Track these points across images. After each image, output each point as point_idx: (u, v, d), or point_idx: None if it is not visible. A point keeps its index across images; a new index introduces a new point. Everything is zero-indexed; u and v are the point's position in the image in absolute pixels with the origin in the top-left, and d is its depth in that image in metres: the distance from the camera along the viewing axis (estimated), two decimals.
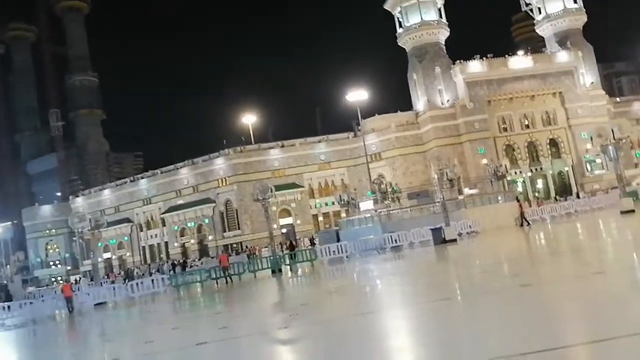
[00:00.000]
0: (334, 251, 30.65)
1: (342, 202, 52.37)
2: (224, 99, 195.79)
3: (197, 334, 12.90)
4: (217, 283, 28.16)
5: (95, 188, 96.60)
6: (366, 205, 44.29)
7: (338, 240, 34.94)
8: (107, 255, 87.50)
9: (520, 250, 22.32)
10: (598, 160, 72.59)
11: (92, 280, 42.69)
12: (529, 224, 32.16)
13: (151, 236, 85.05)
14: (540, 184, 73.54)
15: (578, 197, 58.01)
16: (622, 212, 29.00)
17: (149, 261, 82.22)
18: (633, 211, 28.72)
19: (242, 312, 16.59)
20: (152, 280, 30.81)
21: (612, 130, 30.57)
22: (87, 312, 25.51)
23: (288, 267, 30.07)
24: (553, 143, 73.38)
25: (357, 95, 63.78)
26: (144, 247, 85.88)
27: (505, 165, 67.01)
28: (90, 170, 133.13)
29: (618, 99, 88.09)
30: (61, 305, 25.17)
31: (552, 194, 71.30)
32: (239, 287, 25.63)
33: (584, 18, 79.39)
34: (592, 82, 76.91)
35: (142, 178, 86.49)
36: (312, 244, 49.06)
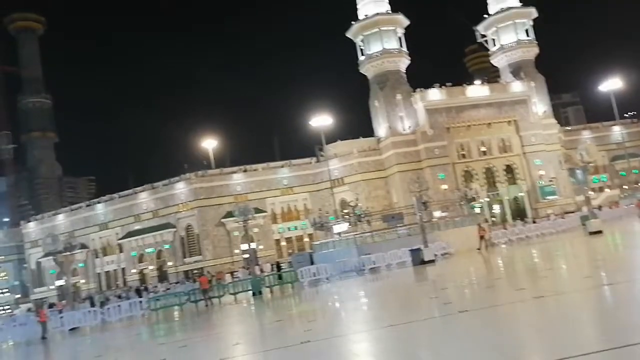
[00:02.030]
0: (313, 273, 30.62)
1: (316, 225, 52.52)
2: (181, 124, 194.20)
3: None
4: (196, 306, 27.51)
5: (48, 213, 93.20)
6: (339, 228, 44.46)
7: (312, 263, 34.85)
8: (60, 282, 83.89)
9: (506, 269, 22.94)
10: (551, 187, 75.61)
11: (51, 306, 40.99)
12: (486, 247, 32.87)
13: (108, 262, 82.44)
14: (497, 208, 75.70)
15: (534, 221, 60.02)
16: (591, 233, 30.22)
17: (104, 288, 79.47)
18: (601, 232, 29.93)
19: (213, 336, 16.34)
20: (130, 304, 29.84)
21: (581, 154, 31.97)
22: (61, 338, 24.57)
23: (268, 289, 29.64)
24: (509, 169, 75.94)
25: (320, 120, 64.54)
26: (99, 274, 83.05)
27: (476, 189, 68.91)
28: (42, 195, 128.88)
29: (569, 128, 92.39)
30: (36, 330, 24.24)
31: (509, 218, 73.47)
32: (219, 310, 25.11)
33: (535, 50, 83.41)
34: (544, 111, 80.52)
35: (99, 202, 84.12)
36: (277, 268, 48.77)
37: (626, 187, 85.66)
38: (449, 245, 33.23)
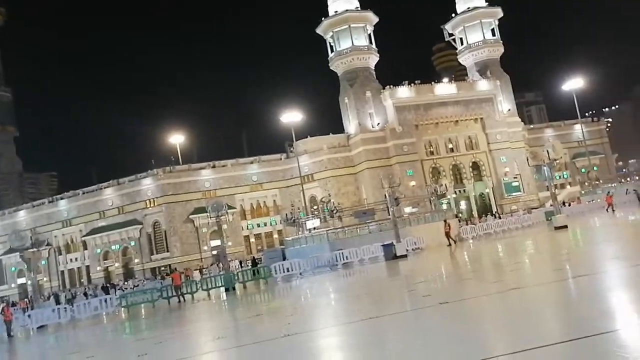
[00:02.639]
0: (287, 268, 30.60)
1: (288, 221, 52.47)
2: (147, 120, 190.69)
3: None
4: (169, 302, 27.07)
5: (9, 209, 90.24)
6: (311, 223, 44.54)
7: (284, 259, 34.78)
8: (21, 280, 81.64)
9: (476, 264, 23.34)
10: (515, 183, 77.50)
11: (29, 302, 39.94)
12: (455, 242, 33.49)
13: (71, 260, 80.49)
14: (463, 204, 77.11)
15: (499, 217, 61.34)
16: (556, 228, 31.05)
17: (68, 286, 77.55)
18: (566, 227, 30.79)
19: (176, 335, 16.14)
20: (100, 300, 29.22)
21: (547, 151, 32.72)
22: (30, 336, 23.90)
23: (241, 284, 29.36)
24: (475, 166, 77.40)
25: (291, 116, 64.35)
26: (62, 272, 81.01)
27: (446, 185, 69.85)
28: (1, 191, 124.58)
29: (532, 126, 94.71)
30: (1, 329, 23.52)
31: (475, 214, 74.91)
32: (192, 306, 24.78)
33: (501, 49, 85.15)
34: (509, 110, 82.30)
35: (62, 198, 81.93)
36: (253, 264, 48.53)
37: (586, 183, 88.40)
38: (419, 241, 33.70)
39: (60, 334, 23.06)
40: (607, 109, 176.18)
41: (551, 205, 63.44)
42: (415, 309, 13.24)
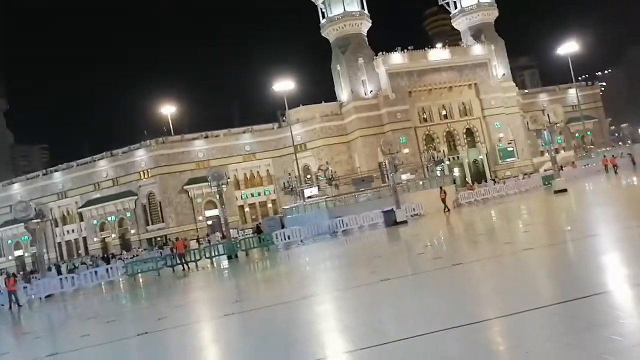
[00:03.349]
0: (288, 236, 30.95)
1: (286, 190, 52.88)
2: (138, 90, 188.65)
3: (138, 325, 12.68)
4: (173, 270, 27.37)
5: (2, 182, 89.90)
6: (309, 192, 44.88)
7: (282, 227, 35.10)
8: (18, 252, 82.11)
9: (483, 226, 23.60)
10: (510, 149, 77.64)
11: (32, 272, 40.42)
12: (448, 209, 33.68)
13: (68, 231, 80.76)
14: (457, 171, 77.38)
15: (497, 182, 61.70)
16: (556, 192, 31.30)
17: (66, 257, 78.03)
18: (566, 190, 31.02)
19: (191, 300, 16.41)
20: (107, 269, 29.62)
21: (548, 115, 32.64)
22: (40, 305, 24.23)
23: (244, 252, 29.68)
24: (469, 132, 77.36)
25: (283, 85, 63.68)
26: (60, 243, 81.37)
27: (444, 151, 69.92)
28: None
29: (526, 91, 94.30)
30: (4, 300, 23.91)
31: (469, 180, 75.25)
32: (197, 274, 25.11)
33: (495, 13, 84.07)
34: (503, 74, 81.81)
35: (57, 171, 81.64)
36: (258, 231, 49.16)
37: (581, 148, 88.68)
38: (418, 207, 34.00)
39: (71, 302, 23.43)
40: (600, 73, 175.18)
41: (546, 170, 64.11)
42: (425, 272, 13.37)
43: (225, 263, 27.64)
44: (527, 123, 34.72)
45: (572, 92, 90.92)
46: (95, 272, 29.07)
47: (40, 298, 26.27)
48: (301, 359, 7.38)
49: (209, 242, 48.15)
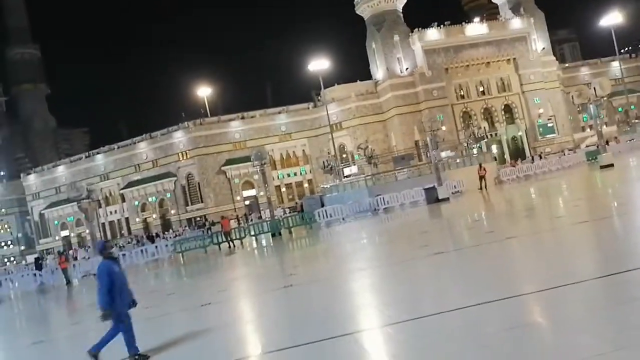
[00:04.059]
0: (330, 214, 31.37)
1: (326, 168, 53.46)
2: (173, 72, 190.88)
3: (200, 297, 13.21)
4: (219, 248, 28.19)
5: (48, 165, 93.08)
6: (349, 170, 45.20)
7: (322, 206, 35.53)
8: (64, 233, 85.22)
9: (529, 202, 23.36)
10: (550, 125, 75.86)
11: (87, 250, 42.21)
12: (485, 187, 33.05)
13: (110, 212, 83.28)
14: (494, 149, 76.12)
15: (533, 160, 60.55)
16: (602, 167, 30.69)
17: (109, 237, 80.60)
18: (612, 165, 30.37)
19: (245, 274, 16.93)
20: (156, 247, 30.79)
21: (594, 88, 31.83)
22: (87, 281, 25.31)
23: (287, 230, 30.29)
24: (507, 109, 75.85)
25: (318, 64, 63.44)
26: (103, 224, 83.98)
27: (485, 128, 68.97)
28: (37, 148, 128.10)
29: (566, 65, 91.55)
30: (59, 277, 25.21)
31: (507, 158, 74.02)
32: (243, 250, 25.81)
33: None
34: (543, 48, 79.53)
35: (99, 153, 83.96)
36: (301, 209, 50.27)
37: (624, 122, 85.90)
38: (459, 184, 33.86)
39: (131, 276, 24.38)
40: None
41: (588, 146, 62.56)
42: (479, 245, 13.38)
43: (270, 240, 28.26)
44: (572, 97, 33.81)
45: (615, 64, 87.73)
46: (145, 249, 30.10)
47: (93, 275, 27.41)
48: (371, 322, 7.67)
49: (250, 221, 49.06)
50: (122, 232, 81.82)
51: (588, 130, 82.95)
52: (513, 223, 16.99)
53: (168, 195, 77.54)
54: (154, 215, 78.79)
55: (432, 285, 9.70)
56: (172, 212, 77.30)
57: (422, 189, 31.01)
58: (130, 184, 79.55)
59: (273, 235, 29.14)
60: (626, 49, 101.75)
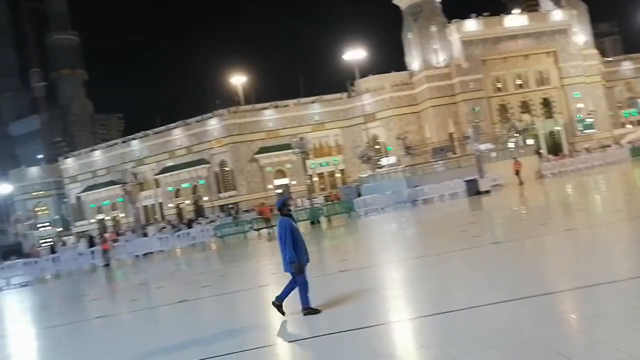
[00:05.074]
0: (369, 203, 31.43)
1: (364, 158, 53.66)
2: (207, 60, 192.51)
3: (251, 280, 13.37)
4: (259, 234, 28.51)
5: (85, 150, 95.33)
6: (387, 160, 45.01)
7: (359, 195, 35.54)
8: (100, 216, 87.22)
9: (578, 196, 22.99)
10: (589, 120, 74.01)
11: (133, 232, 43.28)
12: (521, 183, 32.50)
13: (145, 197, 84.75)
14: (530, 142, 74.63)
15: (571, 155, 59.30)
16: None
17: (143, 222, 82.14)
18: None
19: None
20: (199, 231, 31.43)
21: None
22: (143, 262, 26.04)
23: (327, 218, 30.38)
24: (545, 102, 74.23)
25: (354, 54, 63.21)
26: (137, 208, 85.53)
27: (526, 121, 67.98)
28: (74, 132, 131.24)
29: (609, 59, 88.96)
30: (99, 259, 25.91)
31: (543, 152, 72.56)
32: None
33: None
34: (585, 41, 77.46)
35: (134, 139, 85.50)
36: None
37: None
38: (499, 177, 33.44)
39: (182, 258, 24.84)
40: None
41: (628, 143, 60.87)
42: (536, 236, 13.20)
43: (308, 228, 28.35)
44: (622, 91, 32.87)
45: None
46: (189, 233, 30.63)
47: (137, 256, 28.03)
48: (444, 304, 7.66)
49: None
50: (156, 217, 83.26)
51: (629, 126, 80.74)
52: (566, 216, 16.71)
53: (201, 181, 78.52)
54: (187, 201, 79.97)
55: (497, 273, 9.61)
56: (205, 198, 78.30)
57: (462, 181, 30.71)
58: (165, 170, 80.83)
59: (312, 223, 29.28)
60: None
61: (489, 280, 8.89)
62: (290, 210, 8.33)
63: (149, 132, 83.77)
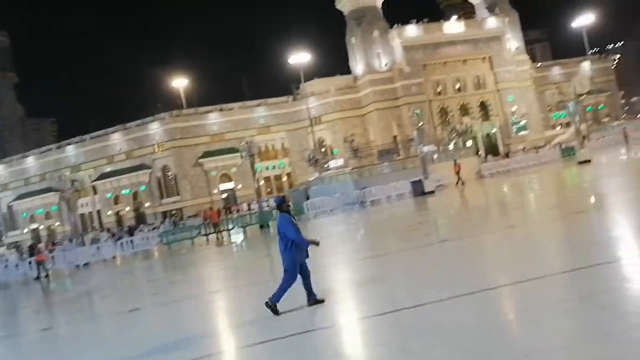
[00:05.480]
0: (318, 206, 31.43)
1: (311, 161, 53.49)
2: (144, 63, 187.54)
3: (198, 288, 13.14)
4: (207, 239, 27.81)
5: (16, 156, 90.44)
6: (335, 163, 45.20)
7: (307, 198, 35.51)
8: (33, 225, 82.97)
9: (510, 197, 23.83)
10: (522, 122, 77.58)
11: (71, 241, 41.24)
12: (463, 183, 33.44)
13: (82, 205, 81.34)
14: (469, 144, 77.38)
15: (507, 156, 61.80)
16: (580, 162, 31.60)
17: (80, 230, 78.81)
18: (589, 161, 31.26)
19: (260, 260, 16.80)
20: (142, 238, 30.25)
21: (574, 86, 32.69)
22: (67, 274, 24.79)
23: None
24: (483, 106, 77.21)
25: (299, 57, 63.34)
26: (76, 216, 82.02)
27: (467, 123, 70.05)
28: (4, 137, 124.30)
29: (539, 64, 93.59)
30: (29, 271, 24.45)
31: (481, 153, 75.36)
32: (236, 241, 25.51)
33: None
34: (517, 48, 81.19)
35: (69, 144, 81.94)
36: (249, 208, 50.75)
37: (593, 121, 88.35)
38: (442, 178, 34.36)
39: (121, 267, 23.84)
40: (611, 46, 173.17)
41: (558, 144, 64.19)
42: (481, 235, 13.59)
43: (257, 232, 28.05)
44: (553, 95, 34.75)
45: (585, 65, 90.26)
46: (131, 241, 29.59)
47: (77, 266, 26.77)
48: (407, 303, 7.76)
49: (232, 213, 48.77)
50: (94, 225, 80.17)
51: (558, 128, 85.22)
52: (507, 214, 17.36)
53: (142, 187, 76.29)
54: (127, 208, 77.40)
55: (458, 271, 9.85)
56: (147, 204, 76.11)
57: (408, 182, 31.38)
58: (103, 176, 77.96)
59: (261, 227, 29.00)
60: (593, 50, 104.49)
61: (435, 279, 9.07)
62: (289, 207, 8.55)
63: (85, 137, 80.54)
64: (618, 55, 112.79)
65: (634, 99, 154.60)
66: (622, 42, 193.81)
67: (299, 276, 8.07)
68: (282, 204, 8.40)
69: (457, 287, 7.87)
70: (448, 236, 14.15)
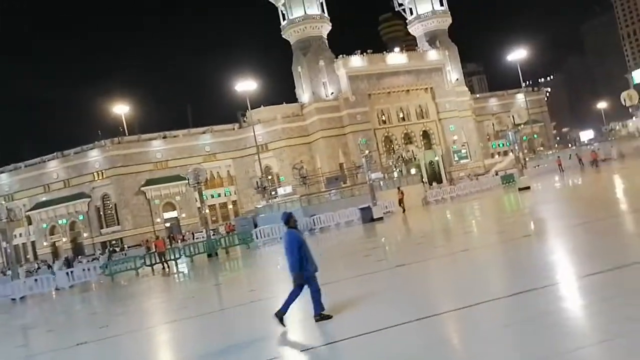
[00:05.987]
0: (268, 233, 30.89)
1: (259, 188, 52.74)
2: (85, 89, 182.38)
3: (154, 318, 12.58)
4: (152, 270, 26.56)
5: None
6: (283, 190, 44.76)
7: (255, 226, 34.94)
8: None
9: (458, 223, 24.23)
10: (463, 151, 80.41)
11: (4, 274, 38.44)
12: (404, 210, 34.09)
13: (15, 235, 76.83)
14: (413, 172, 79.24)
15: (451, 183, 63.73)
16: (520, 189, 32.82)
17: (13, 262, 74.28)
18: (529, 188, 32.52)
19: (212, 289, 16.23)
20: (83, 269, 28.52)
21: (513, 117, 34.09)
22: (6, 306, 23.19)
23: (224, 250, 29.26)
24: (425, 135, 79.55)
25: (245, 85, 63.29)
26: (5, 248, 77.29)
27: (412, 151, 71.41)
28: None
29: (477, 95, 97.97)
30: None
31: (425, 181, 77.31)
32: (183, 272, 24.48)
33: (449, 20, 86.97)
34: (457, 79, 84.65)
35: (3, 172, 77.73)
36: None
37: (528, 150, 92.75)
38: (390, 204, 34.78)
39: (56, 302, 22.46)
40: (542, 80, 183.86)
41: (499, 171, 66.87)
42: (432, 258, 13.77)
43: (206, 261, 27.22)
44: (493, 124, 36.30)
45: (520, 96, 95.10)
46: (71, 272, 28.03)
47: (13, 299, 25.14)
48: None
49: (177, 242, 47.35)
50: (28, 256, 75.88)
51: (497, 156, 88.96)
52: (455, 239, 17.68)
53: (80, 217, 73.13)
54: (64, 239, 73.84)
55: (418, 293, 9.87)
56: (85, 235, 72.91)
57: (357, 209, 31.57)
58: (38, 205, 74.23)
59: (209, 255, 28.16)
60: (527, 82, 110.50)
61: (382, 306, 9.06)
62: (296, 223, 8.59)
63: (20, 164, 76.69)
64: (549, 88, 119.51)
65: (565, 129, 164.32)
66: (552, 76, 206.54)
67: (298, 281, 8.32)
68: (289, 220, 8.50)
69: (404, 313, 7.92)
70: (398, 261, 14.19)
